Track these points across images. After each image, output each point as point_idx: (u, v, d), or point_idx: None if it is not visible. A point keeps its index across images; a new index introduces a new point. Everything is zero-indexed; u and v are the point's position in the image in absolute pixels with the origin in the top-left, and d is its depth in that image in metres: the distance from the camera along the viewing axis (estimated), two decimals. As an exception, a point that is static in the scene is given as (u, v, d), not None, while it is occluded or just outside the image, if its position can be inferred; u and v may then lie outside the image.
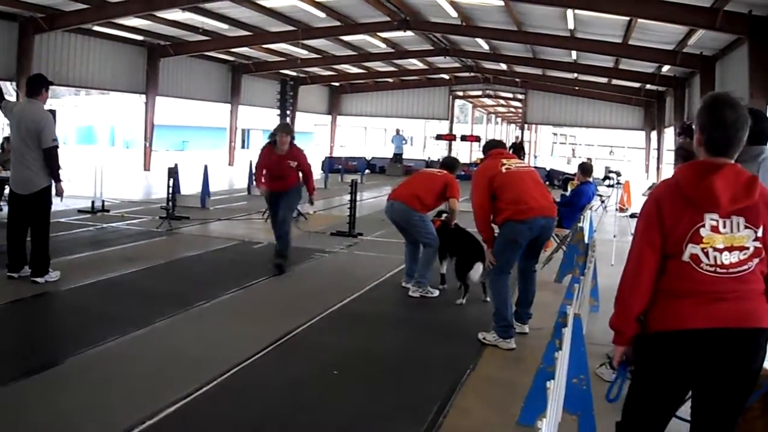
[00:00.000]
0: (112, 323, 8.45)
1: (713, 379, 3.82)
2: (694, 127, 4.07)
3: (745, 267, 3.79)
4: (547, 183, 38.19)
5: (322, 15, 28.15)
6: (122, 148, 66.25)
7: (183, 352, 7.70)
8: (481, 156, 9.92)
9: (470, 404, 6.50)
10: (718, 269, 3.77)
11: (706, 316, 3.75)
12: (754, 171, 4.36)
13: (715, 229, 3.77)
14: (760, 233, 3.79)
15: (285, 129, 12.42)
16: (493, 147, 9.47)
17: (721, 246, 3.76)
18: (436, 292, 10.83)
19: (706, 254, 3.77)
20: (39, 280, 10.20)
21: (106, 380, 6.75)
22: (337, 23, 30.00)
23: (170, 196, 17.03)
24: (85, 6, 25.74)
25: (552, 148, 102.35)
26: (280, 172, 12.10)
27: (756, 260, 3.81)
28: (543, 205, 8.68)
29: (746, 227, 3.78)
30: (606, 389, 4.24)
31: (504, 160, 8.86)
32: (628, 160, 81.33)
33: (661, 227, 3.86)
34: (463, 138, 49.70)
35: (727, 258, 3.77)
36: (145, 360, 7.41)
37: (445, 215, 11.56)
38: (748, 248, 3.78)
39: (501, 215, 8.52)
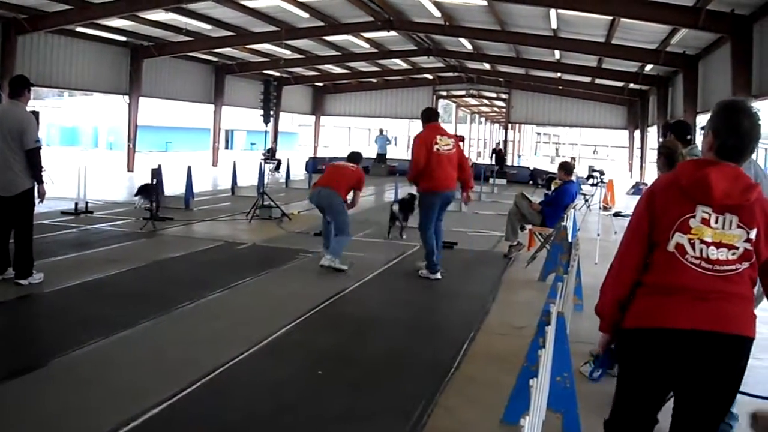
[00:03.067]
0: (95, 325, 8.42)
1: (692, 382, 3.78)
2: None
3: (733, 267, 3.72)
4: (531, 182, 38.30)
5: (306, 15, 28.12)
6: (106, 150, 66.08)
7: (166, 353, 7.68)
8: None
9: (454, 403, 6.49)
10: (704, 263, 3.71)
11: (689, 316, 3.69)
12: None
13: (705, 222, 3.72)
14: (752, 235, 3.72)
15: None
16: (430, 120, 12.52)
17: (709, 240, 3.71)
18: (345, 267, 12.15)
19: (693, 245, 3.72)
20: (23, 281, 10.15)
21: (89, 382, 6.73)
22: (321, 23, 29.97)
23: (154, 197, 17.00)
24: (68, 7, 25.61)
25: (536, 147, 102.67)
26: None
27: (746, 264, 3.74)
28: (449, 182, 12.06)
29: (739, 226, 3.72)
30: (590, 387, 4.22)
31: (438, 138, 12.00)
32: (611, 159, 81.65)
33: (650, 216, 3.86)
34: (448, 138, 49.68)
35: (714, 253, 3.70)
36: (129, 361, 7.38)
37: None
38: (737, 248, 3.71)
39: (424, 183, 11.99)
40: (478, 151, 79.41)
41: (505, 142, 53.36)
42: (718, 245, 3.71)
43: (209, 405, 6.28)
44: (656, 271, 3.83)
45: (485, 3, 24.63)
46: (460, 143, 47.69)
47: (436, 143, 11.86)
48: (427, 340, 8.66)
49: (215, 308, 9.72)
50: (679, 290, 3.73)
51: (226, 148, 75.05)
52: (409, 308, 10.29)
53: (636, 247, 3.91)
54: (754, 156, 5.38)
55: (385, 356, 7.96)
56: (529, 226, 14.47)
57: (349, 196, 12.74)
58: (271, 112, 21.54)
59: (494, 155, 48.53)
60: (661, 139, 9.46)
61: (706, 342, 3.67)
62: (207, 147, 46.19)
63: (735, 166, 3.81)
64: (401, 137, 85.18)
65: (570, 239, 9.74)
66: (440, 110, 60.21)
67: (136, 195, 19.15)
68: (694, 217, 3.73)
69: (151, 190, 17.45)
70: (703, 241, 3.71)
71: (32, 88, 10.65)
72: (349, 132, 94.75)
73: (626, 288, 3.93)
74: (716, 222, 3.72)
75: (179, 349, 7.85)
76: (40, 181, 10.36)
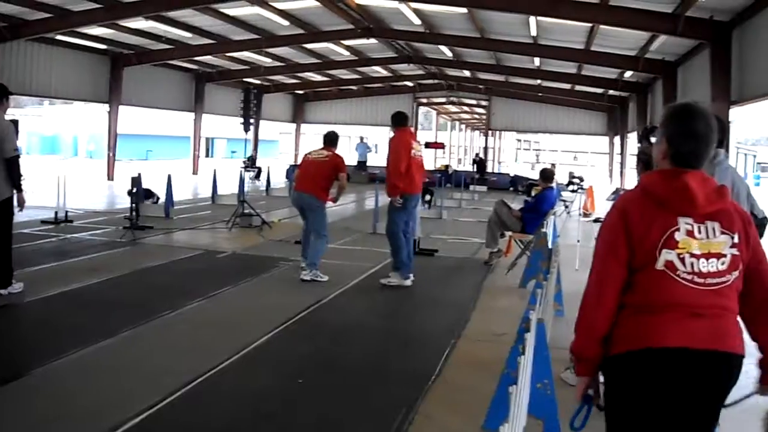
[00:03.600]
0: (75, 334, 8.38)
1: (681, 402, 3.47)
2: (654, 137, 3.88)
3: (724, 279, 3.48)
4: (512, 189, 38.43)
5: (286, 23, 28.20)
6: (86, 158, 65.89)
7: (146, 362, 7.65)
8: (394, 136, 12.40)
9: (435, 411, 6.49)
10: (696, 278, 3.44)
11: (683, 334, 3.41)
12: (710, 173, 4.28)
13: (690, 234, 3.47)
14: (736, 239, 3.52)
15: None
16: (402, 123, 12.44)
17: (698, 252, 3.46)
18: (326, 278, 12.08)
19: (683, 260, 3.45)
20: (2, 291, 10.03)
21: (69, 391, 6.70)
22: (301, 31, 30.07)
23: (134, 205, 16.96)
24: (48, 15, 25.60)
25: (516, 154, 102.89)
26: None
27: (735, 273, 3.51)
28: (420, 186, 12.49)
29: (722, 233, 3.51)
30: (571, 393, 4.15)
31: (413, 143, 12.20)
32: (591, 165, 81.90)
33: (628, 239, 3.52)
34: (427, 145, 49.84)
35: (705, 266, 3.45)
36: (109, 371, 7.35)
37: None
38: (725, 256, 3.49)
39: (403, 184, 11.83)
40: (458, 158, 79.55)
41: (486, 149, 53.49)
42: (708, 256, 3.47)
43: (189, 414, 6.27)
44: (643, 291, 3.51)
45: (465, 10, 24.74)
46: (441, 150, 48.08)
47: (413, 148, 12.08)
48: (408, 348, 8.68)
49: (195, 317, 9.67)
50: (672, 307, 3.45)
51: (207, 156, 74.96)
52: (389, 316, 10.32)
53: (615, 275, 3.55)
54: (732, 162, 5.37)
55: (365, 364, 7.96)
56: (509, 233, 14.50)
57: (334, 191, 12.82)
58: (252, 120, 21.58)
59: (475, 164, 48.60)
60: (639, 145, 9.51)
61: (700, 361, 3.42)
62: (188, 155, 46.16)
63: (699, 171, 3.61)
64: (382, 145, 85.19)
65: (550, 246, 9.78)
66: (421, 117, 60.75)
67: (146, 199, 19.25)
68: (678, 230, 3.47)
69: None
70: (692, 255, 3.45)
71: (12, 97, 10.60)
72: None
73: (609, 322, 3.56)
74: (700, 232, 3.49)
75: (159, 358, 7.82)
76: (20, 190, 10.30)
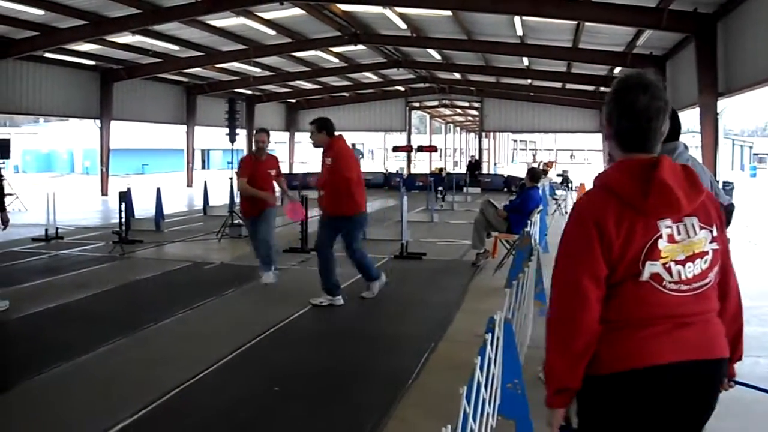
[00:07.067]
0: (58, 349, 8.40)
1: (670, 418, 3.13)
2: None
3: (707, 280, 3.15)
4: (506, 189, 38.44)
5: (273, 32, 28.31)
6: (82, 174, 66.00)
7: (126, 375, 7.67)
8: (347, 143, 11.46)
9: (409, 414, 6.50)
10: (683, 286, 3.10)
11: (673, 348, 3.06)
12: None
13: (671, 239, 3.09)
14: (715, 232, 3.18)
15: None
16: (333, 128, 11.06)
17: (682, 257, 3.10)
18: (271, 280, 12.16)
19: (669, 270, 3.08)
20: (-14, 310, 10.16)
21: (51, 405, 6.79)
22: (289, 40, 30.17)
23: (123, 220, 16.98)
24: (35, 33, 25.67)
25: (513, 154, 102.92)
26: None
27: (716, 269, 3.17)
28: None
29: (702, 227, 3.15)
30: (544, 392, 3.95)
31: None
32: (588, 162, 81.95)
33: (606, 253, 3.08)
34: (420, 149, 49.98)
35: (690, 270, 3.11)
36: (89, 384, 7.41)
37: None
38: (707, 253, 3.14)
39: (353, 205, 10.73)
40: (454, 161, 79.58)
41: (480, 150, 53.51)
42: (692, 258, 3.12)
43: (165, 426, 6.30)
44: (625, 307, 3.11)
45: (450, 13, 24.80)
46: (433, 154, 48.23)
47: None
48: (388, 352, 8.69)
49: (178, 329, 9.69)
50: (658, 320, 3.09)
51: (203, 168, 75.05)
52: (372, 320, 10.29)
53: (592, 295, 3.09)
54: (696, 154, 5.30)
55: (343, 370, 7.96)
56: (495, 233, 14.50)
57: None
58: (242, 130, 21.63)
59: (469, 166, 48.58)
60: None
61: (692, 373, 3.10)
62: (183, 168, 46.24)
63: (662, 156, 3.17)
64: (377, 150, 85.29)
65: (536, 245, 9.78)
66: (415, 121, 60.77)
67: None
68: (660, 236, 3.08)
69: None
70: (677, 262, 3.09)
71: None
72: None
73: (593, 346, 3.12)
74: (679, 233, 3.12)
75: (139, 370, 7.83)
76: (2, 209, 10.33)
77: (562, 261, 3.24)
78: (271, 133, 12.71)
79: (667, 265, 3.07)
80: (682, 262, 3.09)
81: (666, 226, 3.08)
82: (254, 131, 12.89)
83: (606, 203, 3.12)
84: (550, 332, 3.23)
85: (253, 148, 12.50)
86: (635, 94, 3.19)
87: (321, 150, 11.04)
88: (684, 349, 3.06)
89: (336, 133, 11.09)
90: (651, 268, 3.06)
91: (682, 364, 3.05)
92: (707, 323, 3.16)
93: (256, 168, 12.07)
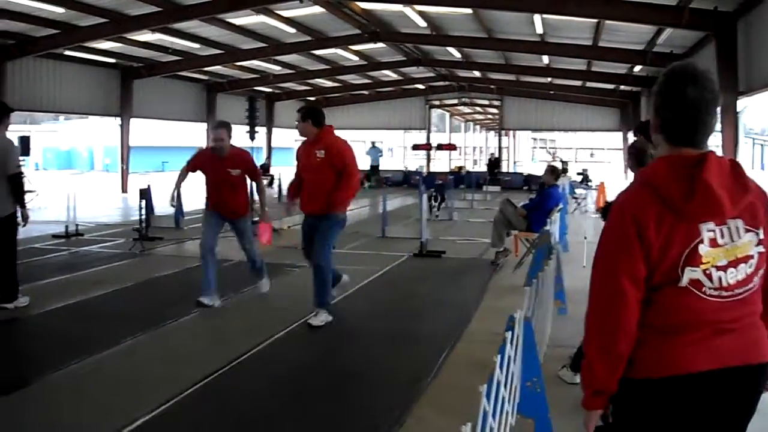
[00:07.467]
0: (78, 345, 8.42)
1: (710, 425, 3.05)
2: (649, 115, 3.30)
3: (751, 285, 3.03)
4: (525, 188, 38.31)
5: (292, 30, 28.29)
6: (102, 171, 66.20)
7: (146, 372, 7.69)
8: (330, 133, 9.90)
9: (427, 413, 6.48)
10: (723, 292, 2.97)
11: (711, 355, 2.96)
12: None
13: (714, 243, 2.95)
14: (761, 235, 3.03)
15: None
16: (320, 118, 9.80)
17: (723, 262, 2.96)
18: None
19: (709, 276, 2.95)
20: (8, 305, 10.19)
21: (69, 401, 6.82)
22: (308, 38, 30.12)
23: (143, 217, 17.02)
24: (56, 31, 25.74)
25: (532, 153, 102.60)
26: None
27: (761, 272, 3.05)
28: None
29: (747, 230, 3.00)
30: (567, 392, 3.88)
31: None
32: (608, 161, 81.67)
33: (646, 254, 2.97)
34: (440, 147, 49.87)
35: (733, 276, 2.98)
36: (108, 380, 7.43)
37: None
38: (752, 257, 3.00)
39: (346, 204, 9.74)
40: (474, 159, 79.40)
41: (500, 149, 53.39)
42: (735, 263, 2.98)
43: (184, 424, 6.32)
44: (662, 312, 3.02)
45: (470, 11, 24.73)
46: (454, 152, 47.98)
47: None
48: (406, 351, 8.65)
49: (197, 326, 9.74)
50: (698, 326, 2.99)
51: (224, 165, 75.13)
52: (390, 319, 10.27)
53: (634, 299, 3.00)
54: (749, 151, 5.03)
55: (361, 368, 7.96)
56: (515, 232, 14.46)
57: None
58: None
59: (489, 163, 48.38)
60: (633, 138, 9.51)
61: (731, 380, 3.00)
62: (202, 165, 46.25)
63: (710, 152, 3.04)
64: (396, 148, 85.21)
65: (556, 243, 9.76)
66: (435, 119, 60.65)
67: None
68: (702, 241, 2.95)
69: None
70: (718, 268, 2.96)
71: (27, 113, 10.72)
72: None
73: (632, 347, 3.04)
74: (723, 236, 2.98)
75: (158, 367, 7.85)
76: (23, 205, 10.37)
77: (600, 260, 3.14)
78: (292, 131, 12.20)
79: (707, 272, 2.95)
80: (724, 268, 2.97)
81: (708, 230, 2.95)
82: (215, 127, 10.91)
83: (647, 201, 3.00)
84: (589, 333, 3.16)
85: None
86: (684, 84, 3.04)
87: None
88: (723, 356, 2.96)
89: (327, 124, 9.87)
90: (690, 274, 2.95)
91: (720, 371, 2.95)
92: (749, 328, 3.05)
93: (212, 166, 10.63)
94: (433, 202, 21.68)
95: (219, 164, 10.53)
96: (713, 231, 2.94)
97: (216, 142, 10.54)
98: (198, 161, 10.97)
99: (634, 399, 3.08)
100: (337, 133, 10.01)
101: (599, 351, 3.07)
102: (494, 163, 47.33)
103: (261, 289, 11.50)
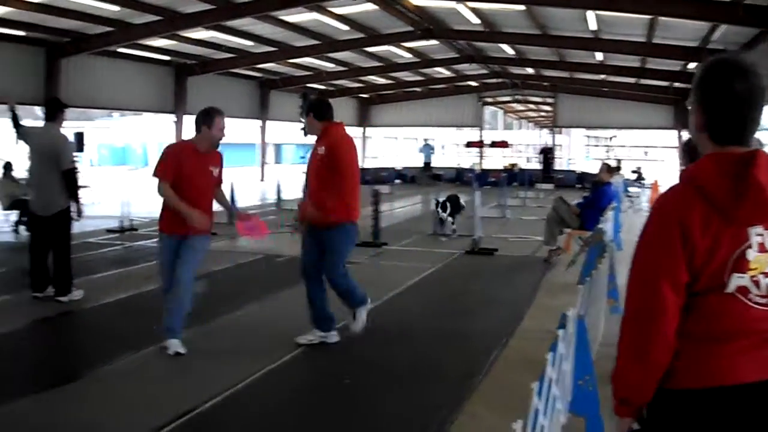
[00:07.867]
0: (127, 340, 8.56)
1: None
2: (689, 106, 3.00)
3: None
4: (579, 186, 38.03)
5: (346, 28, 28.31)
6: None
7: (194, 367, 7.77)
8: (334, 126, 8.59)
9: (479, 410, 6.47)
10: None
11: (756, 366, 2.76)
12: None
13: (762, 248, 2.75)
14: None
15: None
16: (326, 111, 8.55)
17: None
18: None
19: (757, 283, 2.75)
20: (63, 299, 10.37)
21: (118, 395, 6.91)
22: (361, 35, 30.10)
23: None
24: (110, 29, 25.97)
25: (587, 151, 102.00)
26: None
27: None
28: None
29: None
30: None
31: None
32: (662, 160, 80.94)
33: (689, 259, 2.76)
34: (493, 144, 49.71)
35: None
36: (157, 375, 7.57)
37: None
38: None
39: (345, 211, 8.22)
40: (527, 157, 79.10)
41: (553, 146, 53.14)
42: None
43: (230, 419, 6.35)
44: (705, 319, 2.82)
45: (523, 7, 24.60)
46: (504, 149, 47.65)
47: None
48: (458, 348, 8.63)
49: (247, 321, 9.82)
50: (743, 335, 2.79)
51: (276, 162, 75.50)
52: (442, 316, 10.26)
53: (672, 303, 2.79)
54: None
55: (413, 365, 7.95)
56: (568, 230, 14.37)
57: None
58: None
59: (542, 153, 48.05)
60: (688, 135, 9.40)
61: None
62: (255, 162, 46.53)
63: (759, 150, 2.78)
64: (449, 146, 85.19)
65: (608, 241, 9.68)
66: (488, 116, 60.45)
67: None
68: (750, 247, 2.74)
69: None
70: (767, 274, 2.76)
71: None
72: (397, 142, 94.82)
73: (671, 356, 2.84)
74: None
75: (204, 362, 7.91)
76: (77, 200, 10.50)
77: (639, 263, 2.92)
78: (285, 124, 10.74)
79: (755, 278, 2.75)
80: None
81: (757, 234, 2.74)
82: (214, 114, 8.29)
83: (692, 202, 2.76)
84: (624, 339, 2.96)
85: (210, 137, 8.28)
86: (730, 78, 2.78)
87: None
88: None
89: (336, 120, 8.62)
90: (737, 280, 2.74)
91: (765, 383, 2.75)
92: None
93: (195, 163, 8.21)
94: (442, 213, 18.37)
95: (202, 161, 8.30)
96: (761, 235, 2.75)
97: (221, 132, 8.34)
98: (178, 159, 8.24)
99: (672, 410, 2.89)
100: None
101: (633, 359, 2.89)
102: (548, 150, 46.99)
103: (171, 348, 8.14)
